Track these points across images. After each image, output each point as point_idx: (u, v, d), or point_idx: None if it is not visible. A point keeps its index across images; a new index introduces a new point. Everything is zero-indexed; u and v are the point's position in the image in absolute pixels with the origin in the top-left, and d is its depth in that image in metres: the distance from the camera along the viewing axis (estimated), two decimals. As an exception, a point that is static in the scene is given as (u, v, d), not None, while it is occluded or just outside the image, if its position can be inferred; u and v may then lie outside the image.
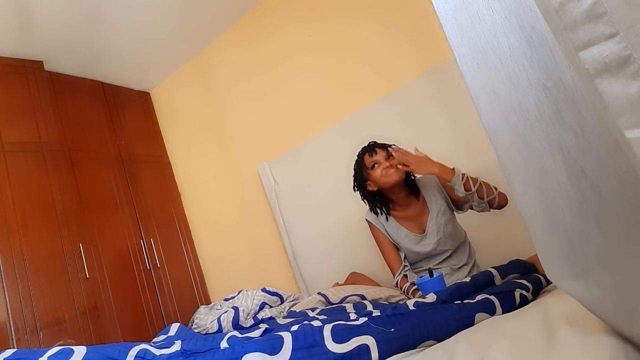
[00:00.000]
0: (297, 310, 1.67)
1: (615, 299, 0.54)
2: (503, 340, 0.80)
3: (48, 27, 2.27)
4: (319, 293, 1.75)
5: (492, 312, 1.10)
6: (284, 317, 1.64)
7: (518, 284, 1.23)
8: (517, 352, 0.74)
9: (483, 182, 1.52)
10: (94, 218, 2.40)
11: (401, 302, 1.42)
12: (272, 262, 2.70)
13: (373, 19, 2.29)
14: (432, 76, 2.08)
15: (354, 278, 2.05)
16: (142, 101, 3.18)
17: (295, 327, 1.04)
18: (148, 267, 2.59)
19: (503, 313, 1.11)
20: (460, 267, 1.65)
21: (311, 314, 1.49)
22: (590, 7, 0.35)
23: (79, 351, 0.87)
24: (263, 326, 1.23)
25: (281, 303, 1.93)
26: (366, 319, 1.07)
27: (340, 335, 0.98)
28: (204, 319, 1.86)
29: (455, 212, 1.68)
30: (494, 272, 1.36)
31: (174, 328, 1.36)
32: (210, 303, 2.30)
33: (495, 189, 1.53)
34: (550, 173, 0.55)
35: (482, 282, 1.30)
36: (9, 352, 0.86)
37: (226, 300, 2.04)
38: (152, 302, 2.52)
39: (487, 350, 0.78)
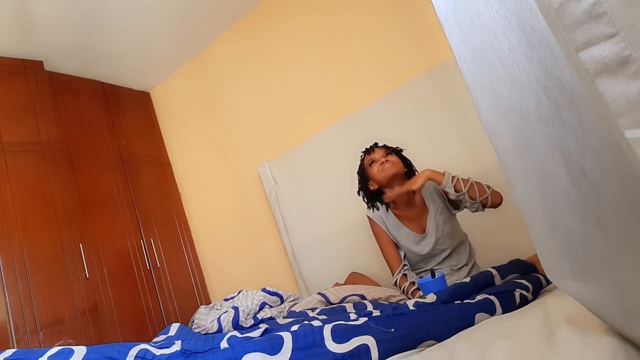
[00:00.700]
0: (297, 310, 1.67)
1: (615, 299, 0.54)
2: (503, 340, 0.80)
3: (48, 27, 2.27)
4: (319, 293, 1.75)
5: (492, 312, 1.10)
6: (284, 317, 1.64)
7: (518, 284, 1.23)
8: (517, 352, 0.74)
9: (475, 182, 1.51)
10: (94, 218, 2.40)
11: (401, 302, 1.42)
12: (272, 262, 2.70)
13: (373, 19, 2.29)
14: (432, 76, 2.08)
15: (354, 278, 2.05)
16: (142, 101, 3.18)
17: (295, 327, 1.04)
18: (148, 267, 2.59)
19: (503, 313, 1.11)
20: (460, 268, 1.65)
21: (311, 314, 1.49)
22: (590, 7, 0.35)
23: (79, 351, 0.87)
24: (263, 326, 1.23)
25: (281, 303, 1.93)
26: (366, 319, 1.07)
27: (340, 335, 0.98)
28: (204, 319, 1.86)
29: (453, 212, 1.68)
30: (494, 272, 1.36)
31: (174, 328, 1.36)
32: (210, 303, 2.30)
33: (489, 187, 1.52)
34: (550, 173, 0.55)
35: (482, 282, 1.30)
36: (9, 352, 0.86)
37: (226, 300, 2.04)
38: (152, 302, 2.52)
39: (487, 350, 0.78)
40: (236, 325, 1.75)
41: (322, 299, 1.69)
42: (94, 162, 2.59)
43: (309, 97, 2.53)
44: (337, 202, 2.35)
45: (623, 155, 0.36)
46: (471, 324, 1.07)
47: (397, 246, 1.73)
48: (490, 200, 1.51)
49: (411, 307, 1.14)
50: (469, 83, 0.73)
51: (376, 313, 1.15)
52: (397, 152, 1.71)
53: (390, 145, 1.75)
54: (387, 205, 1.73)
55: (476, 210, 1.56)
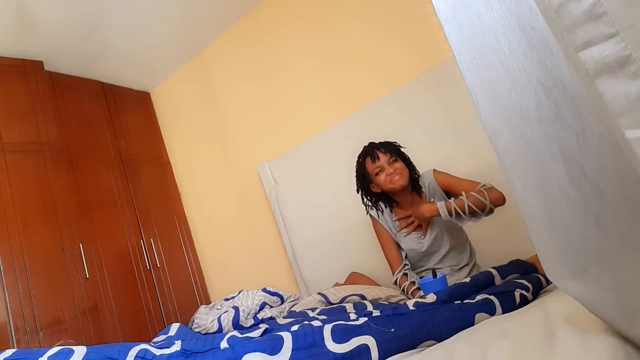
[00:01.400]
0: (297, 310, 1.67)
1: (615, 299, 0.54)
2: (503, 340, 0.80)
3: (48, 27, 2.27)
4: (319, 293, 1.75)
5: (492, 312, 1.10)
6: (284, 317, 1.64)
7: (518, 284, 1.23)
8: (517, 352, 0.74)
9: (473, 195, 1.48)
10: (94, 218, 2.40)
11: (401, 302, 1.42)
12: (272, 262, 2.70)
13: (373, 19, 2.29)
14: (432, 76, 2.08)
15: (354, 278, 2.05)
16: (142, 101, 3.18)
17: (295, 327, 1.04)
18: (148, 267, 2.59)
19: (503, 313, 1.11)
20: (460, 268, 1.65)
21: (311, 314, 1.49)
22: (590, 7, 0.35)
23: (79, 351, 0.87)
24: (263, 326, 1.23)
25: (281, 303, 1.93)
26: (366, 319, 1.07)
27: (340, 335, 0.98)
28: (204, 319, 1.86)
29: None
30: (494, 272, 1.36)
31: (174, 328, 1.36)
32: (211, 303, 2.31)
33: (485, 195, 1.48)
34: (550, 173, 0.55)
35: (482, 282, 1.30)
36: (9, 352, 0.86)
37: (226, 300, 2.05)
38: (152, 302, 2.52)
39: (487, 350, 0.78)
40: (236, 325, 1.75)
41: (322, 299, 1.69)
42: (94, 162, 2.59)
43: (309, 97, 2.53)
44: (337, 202, 2.35)
45: (623, 155, 0.36)
46: (471, 324, 1.07)
47: (398, 245, 1.73)
48: (488, 208, 1.48)
49: (411, 307, 1.14)
50: (469, 83, 0.73)
51: (376, 313, 1.15)
52: (400, 154, 1.67)
53: (386, 140, 1.70)
54: (391, 206, 1.72)
55: (477, 220, 1.56)
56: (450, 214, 1.49)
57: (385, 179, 1.61)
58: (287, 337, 0.98)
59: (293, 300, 1.96)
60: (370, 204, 1.74)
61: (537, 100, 0.50)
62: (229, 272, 2.89)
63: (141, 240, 2.63)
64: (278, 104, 2.66)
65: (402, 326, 1.03)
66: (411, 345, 1.01)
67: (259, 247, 2.76)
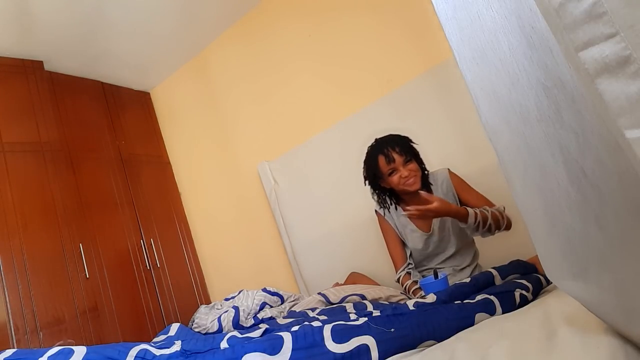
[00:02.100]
0: (297, 310, 1.67)
1: (615, 299, 0.54)
2: (503, 340, 0.80)
3: (48, 27, 2.27)
4: (319, 293, 1.75)
5: (492, 312, 1.10)
6: (284, 317, 1.64)
7: (518, 284, 1.23)
8: (517, 352, 0.74)
9: (495, 212, 1.52)
10: (94, 218, 2.40)
11: (401, 302, 1.42)
12: (272, 262, 2.70)
13: (373, 19, 2.29)
14: (432, 76, 2.08)
15: (354, 278, 2.05)
16: (142, 101, 3.18)
17: (295, 328, 1.04)
18: (148, 267, 2.59)
19: (503, 313, 1.11)
20: (462, 269, 1.65)
21: (311, 314, 1.49)
22: (590, 7, 0.35)
23: (79, 351, 0.87)
24: (263, 326, 1.23)
25: (281, 303, 1.93)
26: (366, 319, 1.07)
27: (340, 335, 0.98)
28: (205, 319, 1.87)
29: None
30: (494, 272, 1.36)
31: (174, 328, 1.36)
32: (210, 303, 2.31)
33: (504, 218, 1.53)
34: (550, 173, 0.55)
35: (482, 282, 1.30)
36: (9, 352, 0.86)
37: (227, 300, 2.05)
38: (152, 302, 2.52)
39: (487, 350, 0.78)
40: (236, 325, 1.75)
41: (322, 299, 1.69)
42: (94, 162, 2.59)
43: (309, 97, 2.53)
44: (337, 202, 2.35)
45: (623, 155, 0.36)
46: (471, 324, 1.07)
47: (403, 243, 1.71)
48: (500, 230, 1.54)
49: (411, 307, 1.14)
50: (469, 83, 0.73)
51: (376, 313, 1.15)
52: (414, 154, 1.62)
53: (397, 134, 1.65)
54: (397, 202, 1.70)
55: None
56: (476, 222, 1.49)
57: (399, 181, 1.57)
58: (287, 337, 0.98)
59: (293, 300, 1.96)
60: (377, 198, 1.70)
61: (537, 100, 0.50)
62: (229, 272, 2.89)
63: (141, 240, 2.63)
64: (278, 104, 2.66)
65: (402, 326, 1.03)
66: (411, 345, 1.01)
67: (259, 247, 2.76)
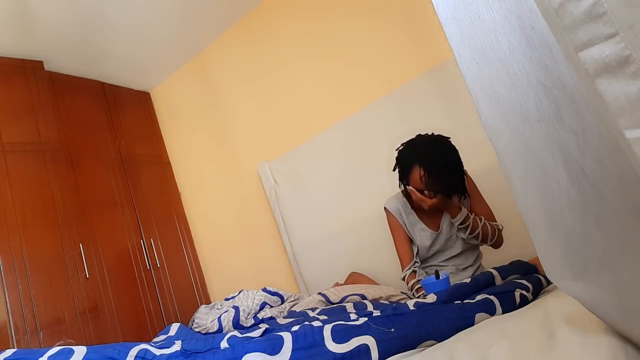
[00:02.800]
0: (298, 310, 1.67)
1: (615, 299, 0.54)
2: (503, 340, 0.80)
3: (48, 27, 2.27)
4: (319, 293, 1.75)
5: (492, 312, 1.10)
6: (284, 317, 1.64)
7: (518, 284, 1.23)
8: (517, 352, 0.74)
9: (492, 226, 1.57)
10: (94, 218, 2.40)
11: (401, 302, 1.42)
12: (272, 262, 2.70)
13: (373, 18, 2.29)
14: (432, 76, 2.08)
15: (354, 278, 2.05)
16: (142, 101, 3.18)
17: (295, 328, 1.04)
18: (148, 267, 2.59)
19: (503, 313, 1.11)
20: (465, 268, 1.65)
21: (311, 314, 1.49)
22: (590, 7, 0.35)
23: (79, 351, 0.87)
24: (263, 326, 1.23)
25: (281, 303, 1.93)
26: (366, 319, 1.07)
27: (340, 335, 0.98)
28: (205, 319, 1.86)
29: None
30: (495, 272, 1.36)
31: (174, 328, 1.36)
32: (210, 303, 2.31)
33: (495, 234, 1.58)
34: (550, 173, 0.55)
35: (483, 282, 1.30)
36: (9, 352, 0.86)
37: (227, 300, 2.05)
38: (152, 302, 2.52)
39: (487, 350, 0.78)
40: (236, 325, 1.75)
41: (323, 299, 1.69)
42: (94, 162, 2.59)
43: (309, 97, 2.53)
44: (337, 202, 2.35)
45: (623, 155, 0.36)
46: (471, 324, 1.07)
47: (411, 241, 1.71)
48: (487, 244, 1.60)
49: (411, 307, 1.14)
50: (469, 83, 0.73)
51: (376, 313, 1.15)
52: (451, 190, 1.56)
53: (445, 139, 1.57)
54: (409, 198, 1.69)
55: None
56: (465, 224, 1.56)
57: (418, 198, 1.57)
58: (287, 337, 0.98)
59: (293, 300, 1.96)
60: (403, 188, 1.68)
61: (537, 100, 0.50)
62: (229, 272, 2.89)
63: (141, 240, 2.63)
64: (278, 104, 2.66)
65: (402, 326, 1.03)
66: (411, 345, 1.01)
67: (259, 247, 2.76)
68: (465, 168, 1.66)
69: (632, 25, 0.34)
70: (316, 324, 1.06)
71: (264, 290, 1.94)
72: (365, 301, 1.56)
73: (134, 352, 0.92)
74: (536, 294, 1.25)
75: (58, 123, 2.41)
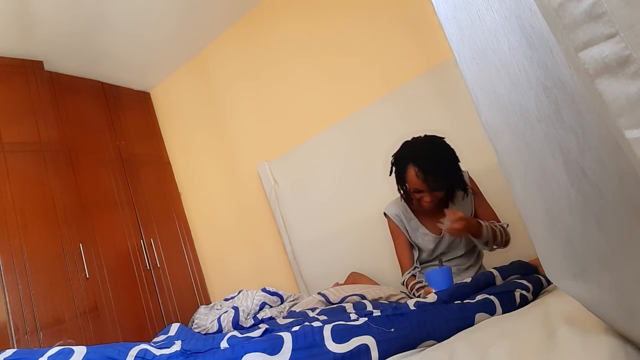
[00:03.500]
0: (297, 310, 1.67)
1: (615, 299, 0.54)
2: (503, 340, 0.80)
3: (48, 27, 2.27)
4: (319, 293, 1.75)
5: (492, 312, 1.10)
6: (284, 317, 1.64)
7: (518, 284, 1.23)
8: (517, 352, 0.74)
9: (501, 228, 1.55)
10: (94, 218, 2.40)
11: (401, 302, 1.42)
12: (272, 262, 2.70)
13: (373, 18, 2.29)
14: (432, 76, 2.08)
15: (354, 278, 2.05)
16: (142, 101, 3.18)
17: (295, 328, 1.04)
18: (148, 267, 2.59)
19: (503, 313, 1.11)
20: (467, 268, 1.65)
21: (311, 314, 1.49)
22: (590, 7, 0.35)
23: (79, 351, 0.87)
24: (263, 326, 1.23)
25: (281, 303, 1.93)
26: (366, 319, 1.07)
27: (340, 335, 0.98)
28: (204, 319, 1.86)
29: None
30: (495, 272, 1.36)
31: (174, 328, 1.36)
32: (210, 303, 2.30)
33: (503, 235, 1.56)
34: (550, 173, 0.55)
35: (483, 282, 1.30)
36: (9, 352, 0.86)
37: (226, 300, 2.04)
38: (152, 302, 2.52)
39: (487, 350, 0.78)
40: (236, 325, 1.75)
41: (322, 299, 1.69)
42: (94, 162, 2.59)
43: (309, 97, 2.53)
44: (337, 202, 2.35)
45: (623, 155, 0.36)
46: (471, 324, 1.07)
47: (411, 246, 1.71)
48: (499, 246, 1.57)
49: (411, 307, 1.13)
50: (469, 83, 0.73)
51: (376, 313, 1.15)
52: (448, 183, 1.56)
53: (437, 139, 1.57)
54: (409, 202, 1.68)
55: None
56: (487, 239, 1.53)
57: (419, 198, 1.57)
58: (287, 337, 0.98)
59: (293, 300, 1.96)
60: (401, 192, 1.68)
61: (537, 100, 0.50)
62: (229, 272, 2.89)
63: (141, 240, 2.63)
64: (278, 104, 2.66)
65: (402, 326, 1.03)
66: (411, 345, 1.01)
67: (259, 247, 2.76)
68: (465, 168, 1.66)
69: (632, 25, 0.34)
70: (316, 324, 1.06)
71: (264, 290, 1.94)
72: (365, 301, 1.56)
73: (134, 352, 0.92)
74: (536, 294, 1.25)
75: (58, 123, 2.41)
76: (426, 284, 1.52)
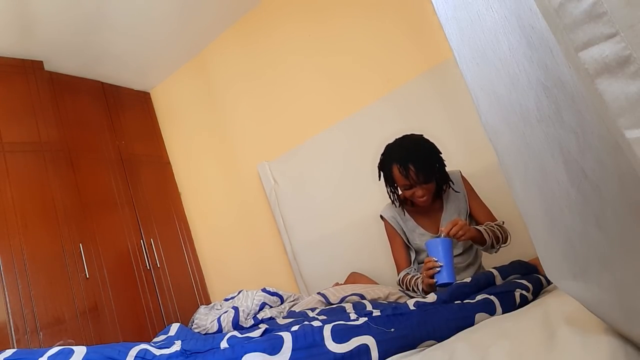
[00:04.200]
0: (297, 310, 1.67)
1: (615, 299, 0.54)
2: (503, 340, 0.80)
3: (48, 27, 2.27)
4: (318, 293, 1.75)
5: (492, 312, 1.10)
6: (283, 317, 1.64)
7: (518, 284, 1.23)
8: (517, 352, 0.74)
9: (499, 229, 1.54)
10: (94, 218, 2.40)
11: (401, 301, 1.42)
12: (272, 262, 2.70)
13: (373, 18, 2.29)
14: (432, 76, 2.08)
15: (354, 278, 2.05)
16: (142, 101, 3.18)
17: (295, 328, 1.04)
18: (148, 267, 2.59)
19: (503, 313, 1.11)
20: (466, 266, 1.65)
21: (311, 314, 1.49)
22: (590, 7, 0.35)
23: (79, 351, 0.87)
24: (263, 326, 1.23)
25: (281, 303, 1.93)
26: (366, 319, 1.07)
27: (340, 335, 0.98)
28: (204, 319, 1.86)
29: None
30: (495, 272, 1.36)
31: (174, 328, 1.36)
32: (210, 303, 2.30)
33: (505, 234, 1.55)
34: (550, 173, 0.55)
35: (483, 282, 1.30)
36: (9, 352, 0.86)
37: (226, 300, 2.04)
38: (152, 302, 2.52)
39: (487, 350, 0.78)
40: (236, 325, 1.75)
41: (322, 299, 1.69)
42: (94, 162, 2.59)
43: (309, 97, 2.53)
44: (337, 202, 2.35)
45: (623, 155, 0.36)
46: (471, 324, 1.07)
47: (407, 248, 1.71)
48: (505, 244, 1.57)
49: (411, 307, 1.14)
50: (469, 83, 0.73)
51: (376, 313, 1.15)
52: (433, 173, 1.55)
53: (416, 136, 1.60)
54: (404, 205, 1.69)
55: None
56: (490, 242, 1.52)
57: (411, 195, 1.57)
58: (287, 337, 0.98)
59: (293, 300, 1.96)
60: (391, 196, 1.68)
61: (537, 100, 0.50)
62: (229, 272, 2.89)
63: (141, 240, 2.63)
64: (278, 104, 2.66)
65: (402, 326, 1.03)
66: (411, 345, 1.01)
67: (259, 247, 2.76)
68: (465, 168, 1.66)
69: (632, 25, 0.34)
70: (316, 324, 1.06)
71: (264, 290, 1.94)
72: (364, 301, 1.56)
73: (134, 352, 0.92)
74: (536, 294, 1.25)
75: (58, 123, 2.41)
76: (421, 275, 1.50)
